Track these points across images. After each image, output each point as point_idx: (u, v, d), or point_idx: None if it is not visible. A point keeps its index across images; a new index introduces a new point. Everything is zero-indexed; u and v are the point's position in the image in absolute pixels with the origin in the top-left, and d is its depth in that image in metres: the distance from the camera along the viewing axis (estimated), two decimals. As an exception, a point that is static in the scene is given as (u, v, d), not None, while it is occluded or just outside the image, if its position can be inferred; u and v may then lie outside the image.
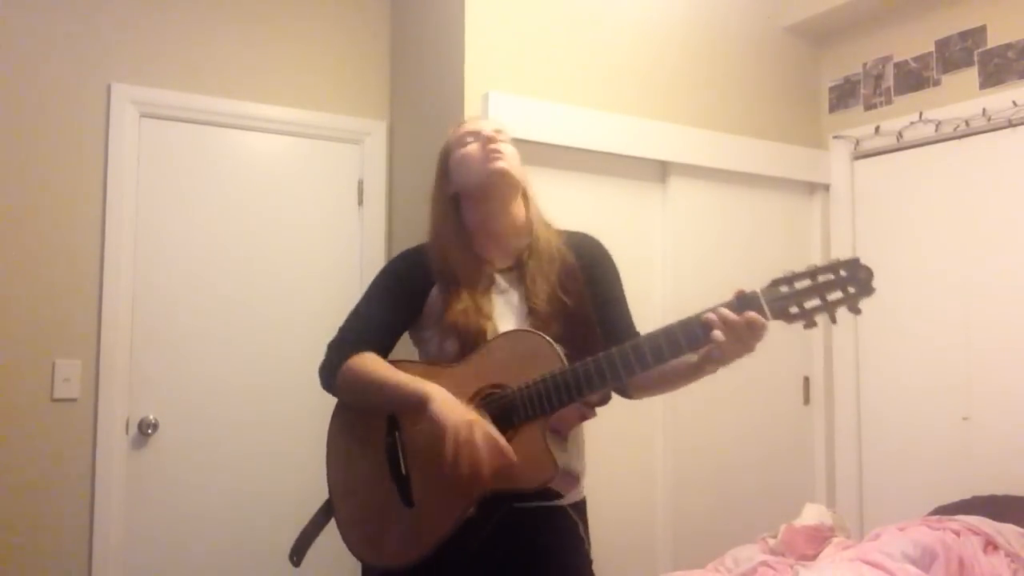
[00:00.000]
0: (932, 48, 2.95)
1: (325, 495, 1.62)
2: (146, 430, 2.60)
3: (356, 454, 1.58)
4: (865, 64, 3.19)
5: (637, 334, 1.55)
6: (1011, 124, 2.70)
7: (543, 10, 2.67)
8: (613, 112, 2.75)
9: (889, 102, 3.10)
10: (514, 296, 1.58)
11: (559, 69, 2.69)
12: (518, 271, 1.59)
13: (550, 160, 2.62)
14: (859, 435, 3.16)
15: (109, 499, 2.53)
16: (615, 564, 2.58)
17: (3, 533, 2.40)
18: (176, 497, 2.64)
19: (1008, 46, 2.73)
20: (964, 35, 2.85)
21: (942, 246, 2.92)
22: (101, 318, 2.55)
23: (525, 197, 1.67)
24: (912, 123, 2.98)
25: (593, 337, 1.49)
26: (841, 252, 3.22)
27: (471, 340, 1.51)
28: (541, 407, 1.40)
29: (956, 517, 2.18)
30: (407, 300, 1.61)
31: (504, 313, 1.56)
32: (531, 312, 1.53)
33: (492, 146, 1.58)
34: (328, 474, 1.62)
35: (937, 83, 2.94)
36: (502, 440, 1.36)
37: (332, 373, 1.56)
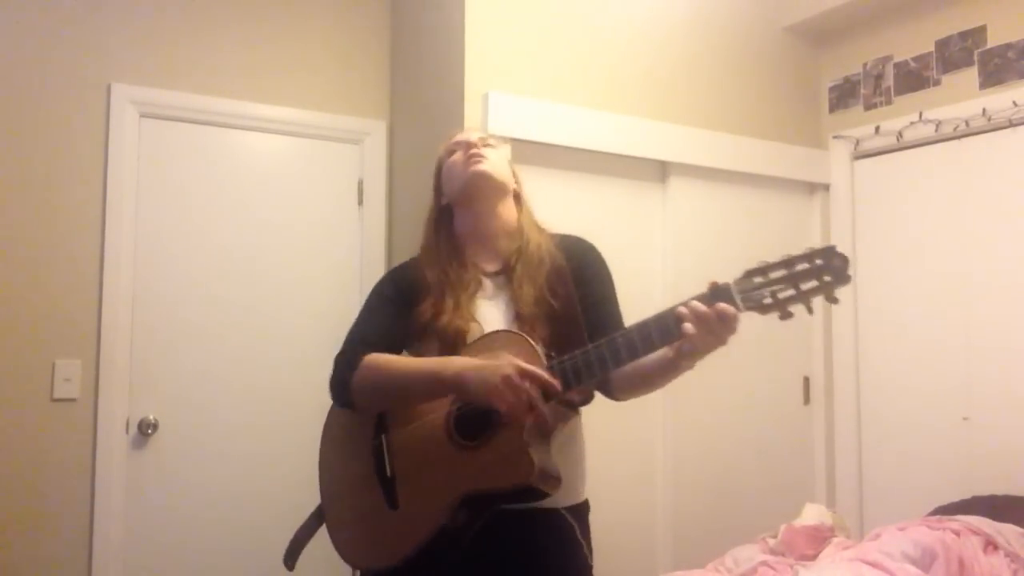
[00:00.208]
0: (932, 48, 2.95)
1: (322, 497, 1.63)
2: (146, 430, 2.60)
3: (346, 457, 1.58)
4: (865, 64, 3.19)
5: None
6: (1011, 124, 2.71)
7: (543, 10, 2.67)
8: (613, 112, 2.75)
9: (889, 102, 3.10)
10: (502, 300, 1.58)
11: (559, 69, 2.69)
12: (506, 275, 1.60)
13: (550, 160, 2.62)
14: (859, 435, 3.16)
15: (109, 499, 2.52)
16: (615, 564, 2.58)
17: (3, 533, 2.39)
18: (176, 497, 2.64)
19: (1008, 46, 2.73)
20: (964, 35, 2.85)
21: (942, 246, 2.92)
22: (101, 318, 2.55)
23: (518, 200, 1.68)
24: (912, 123, 2.98)
25: (579, 339, 1.48)
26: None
27: (450, 342, 1.51)
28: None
29: (956, 517, 2.18)
30: (403, 310, 1.60)
31: (491, 317, 1.56)
32: (518, 316, 1.53)
33: (473, 151, 1.60)
34: (320, 477, 1.63)
35: (937, 83, 2.94)
36: (531, 368, 1.34)
37: (346, 382, 1.53)
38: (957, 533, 2.07)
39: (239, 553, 2.71)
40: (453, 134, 1.72)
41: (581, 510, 1.59)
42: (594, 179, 2.76)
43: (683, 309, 1.32)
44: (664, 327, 1.34)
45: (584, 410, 1.58)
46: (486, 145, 1.65)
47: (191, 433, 2.68)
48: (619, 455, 2.71)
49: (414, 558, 1.45)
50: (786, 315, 1.30)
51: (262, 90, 2.84)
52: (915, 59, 3.01)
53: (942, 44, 2.92)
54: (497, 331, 1.49)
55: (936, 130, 2.92)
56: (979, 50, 2.81)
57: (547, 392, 1.34)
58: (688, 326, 1.30)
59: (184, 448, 2.66)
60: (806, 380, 3.24)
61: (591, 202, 2.73)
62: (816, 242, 3.21)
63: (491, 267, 1.62)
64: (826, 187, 3.29)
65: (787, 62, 3.26)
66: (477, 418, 1.42)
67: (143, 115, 2.66)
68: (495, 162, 1.62)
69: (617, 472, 2.71)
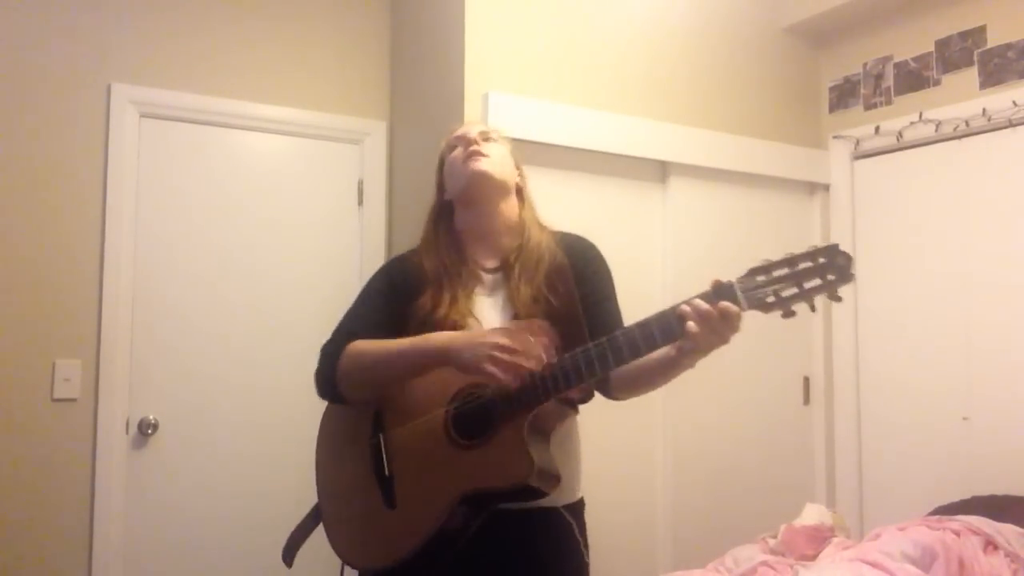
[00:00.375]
0: (932, 48, 2.95)
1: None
2: (146, 430, 2.60)
3: (343, 456, 1.58)
4: (865, 64, 3.19)
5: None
6: (1011, 124, 2.70)
7: (543, 10, 2.67)
8: (613, 112, 2.75)
9: (889, 102, 3.10)
10: (500, 296, 1.58)
11: (559, 69, 2.69)
12: (505, 271, 1.59)
13: (550, 160, 2.62)
14: (859, 435, 3.16)
15: (109, 499, 2.53)
16: (615, 564, 2.58)
17: (3, 533, 2.40)
18: (176, 497, 2.64)
19: (1008, 46, 2.73)
20: (964, 35, 2.85)
21: (942, 246, 2.92)
22: (101, 318, 2.55)
23: (520, 194, 1.67)
24: (912, 123, 2.98)
25: (580, 336, 1.48)
26: (841, 252, 3.22)
27: None
28: (520, 404, 1.39)
29: (956, 517, 2.18)
30: (397, 304, 1.60)
31: (489, 314, 1.56)
32: (515, 317, 1.53)
33: (472, 148, 1.59)
34: (317, 476, 1.62)
35: (937, 83, 2.94)
36: (505, 339, 1.36)
37: (330, 374, 1.54)
38: (957, 533, 2.07)
39: (239, 553, 2.71)
40: (455, 128, 1.71)
41: (578, 508, 1.60)
42: (594, 179, 2.76)
43: (686, 307, 1.31)
44: (666, 325, 1.33)
45: (584, 409, 1.58)
46: (488, 140, 1.63)
47: (191, 433, 2.68)
48: (619, 455, 2.71)
49: (411, 558, 1.44)
50: (788, 313, 1.29)
51: (262, 90, 2.84)
52: (915, 59, 3.01)
53: (942, 44, 2.92)
54: (493, 328, 1.48)
55: (936, 130, 2.92)
56: (979, 50, 2.81)
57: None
58: (691, 324, 1.29)
59: (184, 448, 2.66)
60: (806, 380, 3.24)
61: (591, 202, 2.73)
62: (816, 242, 3.23)
63: (490, 263, 1.62)
64: (826, 187, 3.29)
65: (787, 62, 3.26)
66: (476, 418, 1.42)
67: (143, 115, 2.66)
68: (495, 159, 1.61)
69: (617, 472, 2.71)
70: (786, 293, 1.28)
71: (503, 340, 1.36)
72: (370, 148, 3.03)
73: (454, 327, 1.50)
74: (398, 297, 1.61)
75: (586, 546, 1.59)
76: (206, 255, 2.74)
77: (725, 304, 1.29)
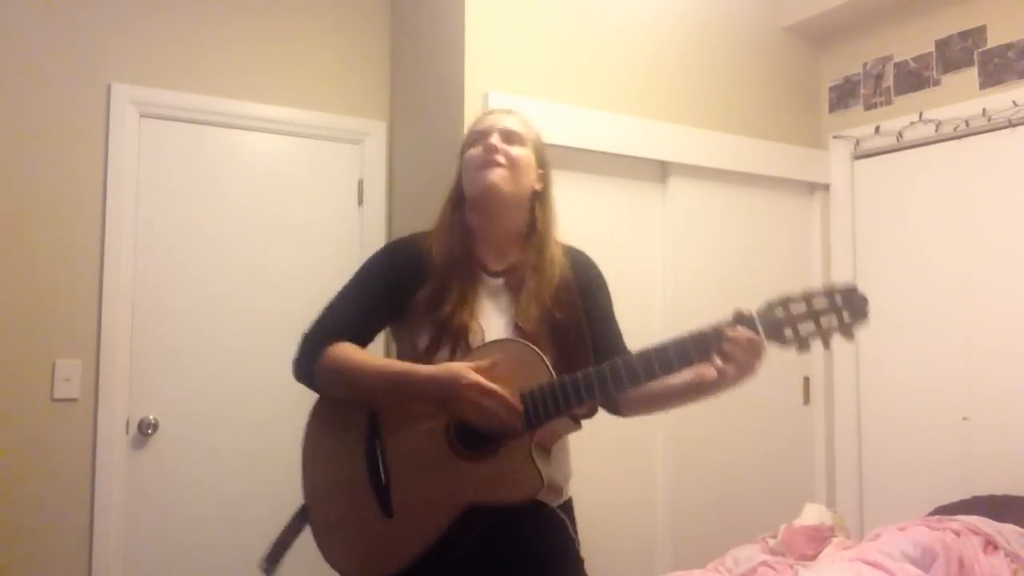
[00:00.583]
0: (932, 48, 2.95)
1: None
2: (146, 430, 2.60)
3: (334, 456, 1.53)
4: (865, 64, 3.19)
5: (626, 350, 1.54)
6: (1011, 124, 2.70)
7: (543, 10, 2.67)
8: (613, 112, 2.75)
9: (889, 102, 3.10)
10: (503, 300, 1.56)
11: (559, 69, 2.68)
12: (511, 276, 1.57)
13: (550, 160, 2.61)
14: (859, 435, 3.16)
15: (109, 499, 2.53)
16: (615, 564, 2.58)
17: (3, 533, 2.39)
18: (176, 497, 2.64)
19: (1008, 46, 2.73)
20: (964, 35, 2.85)
21: (942, 246, 2.92)
22: (101, 318, 2.55)
23: (541, 200, 1.62)
24: (912, 123, 2.98)
25: (584, 351, 1.48)
26: (841, 252, 3.22)
27: (452, 334, 1.49)
28: (528, 420, 1.38)
29: (956, 517, 2.18)
30: (392, 294, 1.57)
31: (492, 321, 1.53)
32: (519, 329, 1.50)
33: (490, 156, 1.54)
34: (304, 478, 1.57)
35: (937, 83, 2.94)
36: (487, 384, 1.36)
37: (308, 364, 1.52)
38: (957, 533, 2.07)
39: (239, 553, 2.70)
40: (489, 111, 1.66)
41: (569, 506, 1.61)
42: (594, 179, 2.75)
43: (709, 332, 1.34)
44: (685, 350, 1.36)
45: (583, 409, 1.58)
46: (511, 142, 1.57)
47: (191, 433, 2.68)
48: (619, 455, 2.71)
49: (411, 567, 1.43)
50: (804, 349, 1.34)
51: (262, 90, 2.84)
52: (915, 59, 3.01)
53: (942, 44, 2.92)
54: (505, 340, 1.47)
55: (936, 130, 2.91)
56: (979, 50, 2.81)
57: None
58: (725, 351, 1.32)
59: (184, 448, 2.66)
60: (806, 380, 3.24)
61: (591, 202, 2.73)
62: (816, 243, 3.24)
63: (496, 266, 1.59)
64: (826, 187, 3.29)
65: (787, 62, 3.26)
66: (481, 431, 1.41)
67: (143, 115, 2.66)
68: (512, 168, 1.54)
69: (617, 472, 2.71)
70: (804, 330, 1.32)
71: (486, 386, 1.35)
72: (370, 148, 3.03)
73: (460, 328, 1.49)
74: (400, 281, 1.56)
75: (579, 543, 1.60)
76: (206, 255, 2.74)
77: (751, 333, 1.32)
